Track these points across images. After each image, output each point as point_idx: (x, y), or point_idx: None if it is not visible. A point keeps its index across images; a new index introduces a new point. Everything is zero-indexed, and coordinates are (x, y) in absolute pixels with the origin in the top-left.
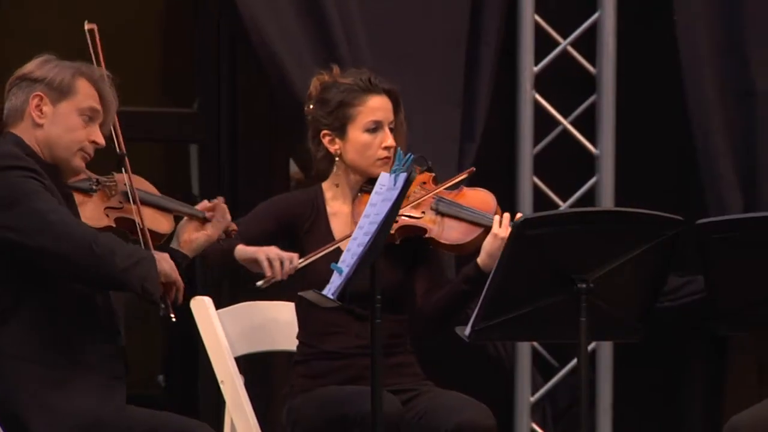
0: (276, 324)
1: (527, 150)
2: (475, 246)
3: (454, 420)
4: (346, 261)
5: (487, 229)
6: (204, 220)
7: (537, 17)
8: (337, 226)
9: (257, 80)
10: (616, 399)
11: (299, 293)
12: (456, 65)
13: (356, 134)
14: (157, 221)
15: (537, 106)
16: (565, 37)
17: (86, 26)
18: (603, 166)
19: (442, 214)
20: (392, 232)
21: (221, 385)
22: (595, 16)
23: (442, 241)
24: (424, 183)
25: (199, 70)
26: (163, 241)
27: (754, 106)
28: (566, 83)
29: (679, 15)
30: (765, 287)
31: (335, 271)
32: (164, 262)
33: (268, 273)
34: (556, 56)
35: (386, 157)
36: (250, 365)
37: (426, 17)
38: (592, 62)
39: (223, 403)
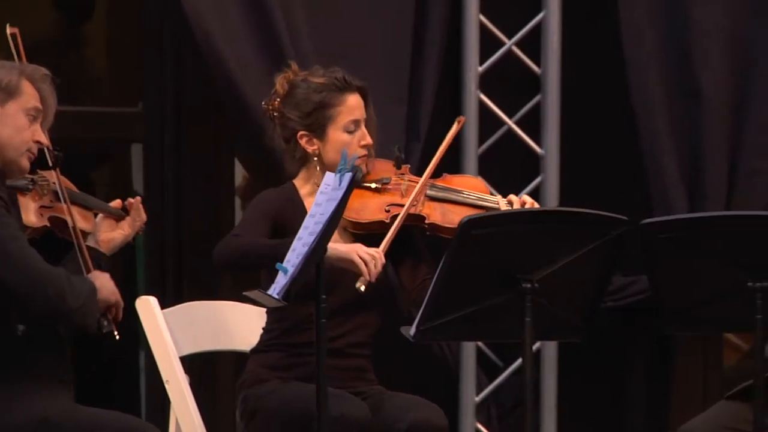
0: (221, 324)
1: (472, 150)
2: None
3: (408, 419)
4: (291, 261)
5: (489, 210)
6: (119, 218)
7: (482, 17)
8: None
9: (202, 80)
10: (560, 398)
11: (244, 293)
12: (401, 65)
13: (336, 134)
14: (82, 219)
15: (482, 105)
16: (510, 37)
17: (8, 30)
18: (548, 166)
19: (438, 200)
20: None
21: (166, 385)
22: (540, 16)
23: (445, 225)
24: (404, 174)
25: (143, 70)
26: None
27: (699, 105)
28: (511, 83)
29: (624, 14)
30: (709, 287)
31: (280, 271)
32: (104, 290)
33: (366, 274)
34: (501, 56)
35: (365, 155)
36: (196, 365)
37: (371, 16)
38: (537, 62)
39: (169, 402)
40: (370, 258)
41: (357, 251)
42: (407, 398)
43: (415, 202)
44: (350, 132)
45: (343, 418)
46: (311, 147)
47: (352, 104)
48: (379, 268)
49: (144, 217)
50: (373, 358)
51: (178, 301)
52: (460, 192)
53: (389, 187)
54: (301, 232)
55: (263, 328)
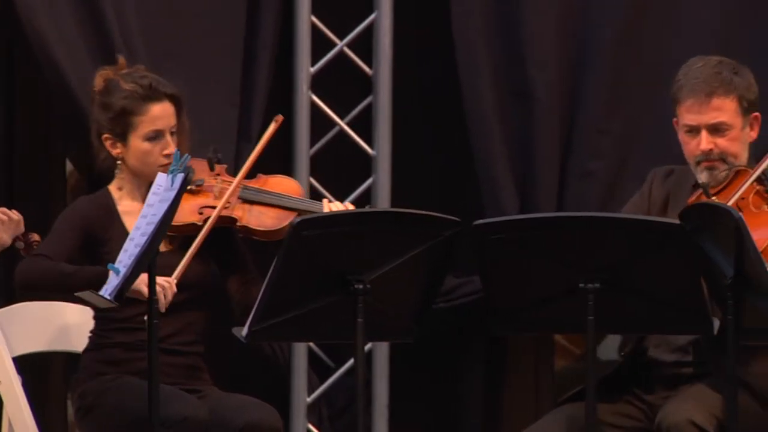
0: (54, 324)
1: (303, 151)
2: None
3: (243, 420)
4: (123, 261)
5: (301, 213)
6: None
7: (314, 18)
8: (132, 225)
9: (34, 79)
10: (392, 399)
11: (75, 294)
12: (233, 65)
13: (137, 143)
14: None
15: (314, 106)
16: (341, 38)
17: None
18: (379, 167)
19: (251, 202)
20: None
21: None
22: (372, 17)
23: (257, 228)
24: (218, 174)
25: None
26: None
27: (530, 107)
28: (343, 84)
29: (456, 16)
30: (541, 288)
31: (112, 272)
32: None
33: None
34: (333, 57)
35: (168, 164)
36: (28, 365)
37: (203, 17)
38: (369, 63)
39: (1, 403)
40: (159, 289)
41: (146, 282)
42: (242, 399)
43: (227, 204)
44: (151, 141)
45: (186, 421)
46: (115, 150)
47: (155, 114)
48: (170, 297)
49: (19, 225)
50: (205, 359)
51: (10, 301)
52: (276, 195)
53: (203, 188)
54: (133, 233)
55: (91, 330)
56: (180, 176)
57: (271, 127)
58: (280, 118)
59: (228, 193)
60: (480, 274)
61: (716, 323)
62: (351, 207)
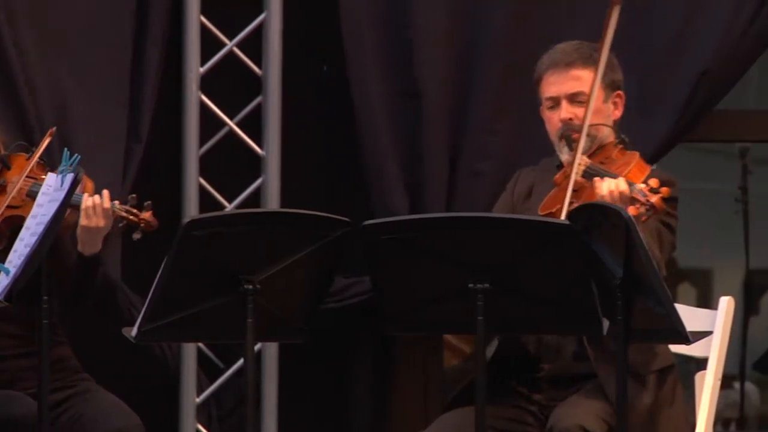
0: None
1: (193, 151)
2: (71, 227)
3: (104, 428)
4: (14, 262)
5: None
6: None
7: (203, 18)
8: None
9: None
10: (281, 399)
11: None
12: (122, 65)
13: None
14: None
15: (203, 106)
16: (231, 39)
17: None
18: (269, 167)
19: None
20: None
21: None
22: (261, 17)
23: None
24: (20, 168)
25: None
26: None
27: (419, 106)
28: (232, 84)
29: (345, 16)
30: (431, 288)
31: (2, 272)
32: None
33: None
34: (222, 57)
35: None
36: None
37: (92, 16)
38: (259, 63)
39: None
40: None
41: None
42: (107, 403)
43: (18, 202)
44: None
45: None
46: None
47: None
48: None
49: None
50: (80, 353)
51: None
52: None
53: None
54: (23, 233)
55: None
56: (69, 176)
57: (45, 141)
58: (52, 130)
59: (15, 190)
60: (370, 275)
61: (606, 323)
62: (106, 201)
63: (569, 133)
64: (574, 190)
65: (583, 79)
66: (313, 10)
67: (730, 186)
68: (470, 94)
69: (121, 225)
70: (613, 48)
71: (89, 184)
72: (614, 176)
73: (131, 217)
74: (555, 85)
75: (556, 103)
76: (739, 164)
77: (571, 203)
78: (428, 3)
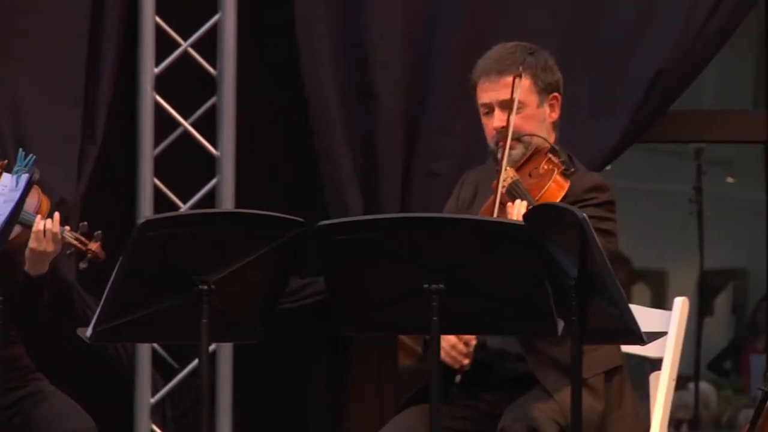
0: None
1: (147, 151)
2: (22, 244)
3: (57, 430)
4: None
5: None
6: None
7: (158, 19)
8: None
9: None
10: (236, 400)
11: None
12: (77, 65)
13: None
14: None
15: (158, 107)
16: (185, 39)
17: None
18: (224, 168)
19: None
20: None
21: None
22: (216, 17)
23: None
24: None
25: None
26: None
27: (375, 108)
28: (187, 85)
29: (299, 17)
30: (386, 288)
31: None
32: None
33: None
34: (177, 57)
35: None
36: None
37: (47, 16)
38: (213, 64)
39: None
40: None
41: None
42: (61, 405)
43: None
44: None
45: None
46: None
47: None
48: None
49: None
50: (34, 354)
51: None
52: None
53: None
54: None
55: None
56: (24, 177)
57: None
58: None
59: None
60: (324, 275)
61: (561, 324)
62: (56, 226)
63: (503, 143)
64: (501, 204)
65: (516, 85)
66: (267, 11)
67: (684, 187)
68: (425, 95)
69: (69, 252)
70: (568, 48)
71: (45, 203)
72: (531, 201)
73: (79, 245)
74: (488, 92)
75: (490, 109)
76: (694, 165)
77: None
78: (383, 4)
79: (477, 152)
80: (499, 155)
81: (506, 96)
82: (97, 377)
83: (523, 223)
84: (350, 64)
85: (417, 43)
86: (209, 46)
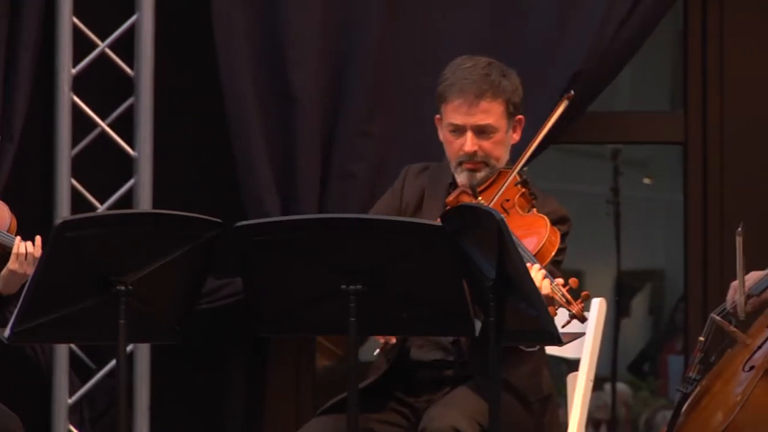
0: None
1: (65, 152)
2: None
3: None
4: None
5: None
6: None
7: (75, 19)
8: None
9: None
10: (154, 400)
11: None
12: None
13: None
14: None
15: (75, 107)
16: (103, 40)
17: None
18: (141, 168)
19: None
20: None
21: None
22: (133, 18)
23: None
24: None
25: None
26: None
27: (292, 108)
28: (105, 85)
29: (217, 16)
30: (304, 289)
31: None
32: None
33: None
34: (95, 58)
35: None
36: None
37: None
38: (131, 64)
39: None
40: None
41: None
42: None
43: None
44: None
45: None
46: None
47: None
48: None
49: None
50: None
51: None
52: None
53: None
54: None
55: None
56: None
57: None
58: None
59: None
60: (242, 276)
61: (478, 325)
62: (38, 251)
63: (473, 166)
64: None
65: (492, 111)
66: (185, 11)
67: (601, 188)
68: (343, 96)
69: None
70: (485, 51)
71: (14, 221)
72: (531, 259)
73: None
74: (462, 115)
75: (459, 129)
76: (611, 166)
77: None
78: (302, 5)
79: (394, 153)
80: (463, 173)
81: (482, 121)
82: (14, 378)
83: (440, 224)
84: (268, 65)
85: (335, 45)
86: (127, 46)
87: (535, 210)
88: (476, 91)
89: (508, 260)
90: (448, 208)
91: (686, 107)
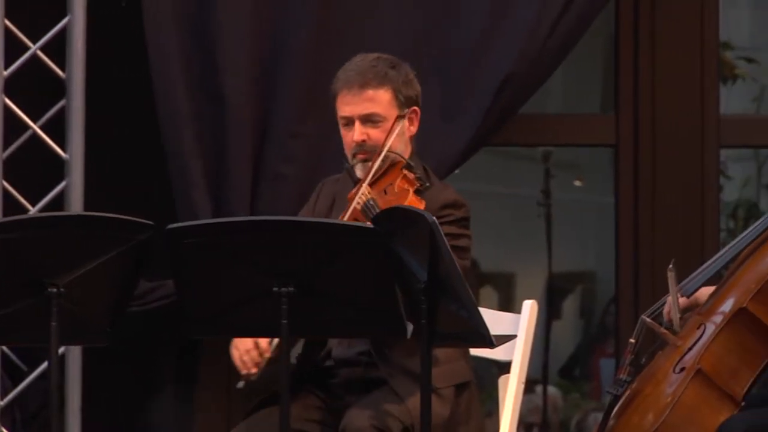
0: None
1: None
2: None
3: None
4: None
5: None
6: None
7: (7, 21)
8: None
9: None
10: (85, 402)
11: None
12: None
13: None
14: None
15: (6, 110)
16: (35, 42)
17: None
18: (72, 171)
19: None
20: None
21: None
22: (65, 20)
23: None
24: None
25: None
26: None
27: (224, 109)
28: (37, 87)
29: (148, 19)
30: (236, 291)
31: None
32: None
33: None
34: (26, 60)
35: None
36: None
37: None
38: (63, 67)
39: None
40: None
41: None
42: None
43: None
44: None
45: None
46: None
47: None
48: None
49: None
50: None
51: None
52: None
53: None
54: None
55: None
56: None
57: None
58: None
59: None
60: (174, 278)
61: (410, 327)
62: None
63: (365, 156)
64: (354, 219)
65: (377, 99)
66: (117, 14)
67: (532, 190)
68: (274, 97)
69: None
70: (417, 51)
71: None
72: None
73: None
74: (349, 105)
75: (350, 122)
76: (542, 168)
77: None
78: (232, 7)
79: (325, 155)
80: (359, 165)
81: (367, 110)
82: None
83: (372, 226)
84: (200, 66)
85: (265, 46)
86: (59, 48)
87: (411, 191)
88: (360, 81)
89: (440, 262)
90: (349, 204)
91: (617, 110)
